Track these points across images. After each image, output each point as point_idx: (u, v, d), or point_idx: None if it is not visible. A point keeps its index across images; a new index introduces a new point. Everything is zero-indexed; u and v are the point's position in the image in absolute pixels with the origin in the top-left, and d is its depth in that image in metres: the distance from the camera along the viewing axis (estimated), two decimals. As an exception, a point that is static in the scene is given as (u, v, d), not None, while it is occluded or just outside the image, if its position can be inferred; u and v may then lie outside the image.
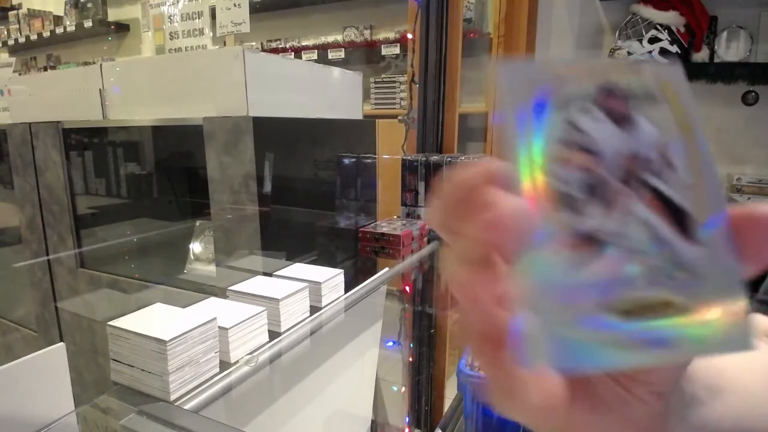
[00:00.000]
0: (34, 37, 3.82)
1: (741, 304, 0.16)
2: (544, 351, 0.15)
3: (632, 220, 0.16)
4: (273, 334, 0.93)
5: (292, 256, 1.30)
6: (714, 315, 0.16)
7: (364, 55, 2.79)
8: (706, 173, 0.17)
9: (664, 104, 0.17)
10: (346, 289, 1.10)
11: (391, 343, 1.53)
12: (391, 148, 1.76)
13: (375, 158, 1.66)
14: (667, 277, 0.16)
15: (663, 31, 1.94)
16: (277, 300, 0.93)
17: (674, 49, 1.94)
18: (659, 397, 0.21)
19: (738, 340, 0.16)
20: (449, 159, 1.58)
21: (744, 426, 0.24)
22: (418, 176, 1.60)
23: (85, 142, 1.83)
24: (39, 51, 4.06)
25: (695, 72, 1.92)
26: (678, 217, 0.16)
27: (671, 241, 0.16)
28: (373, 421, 0.83)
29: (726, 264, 0.16)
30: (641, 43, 1.96)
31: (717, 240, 0.16)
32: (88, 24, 3.53)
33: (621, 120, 0.17)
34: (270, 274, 1.08)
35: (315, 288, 1.02)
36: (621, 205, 0.16)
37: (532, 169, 0.16)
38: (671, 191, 0.16)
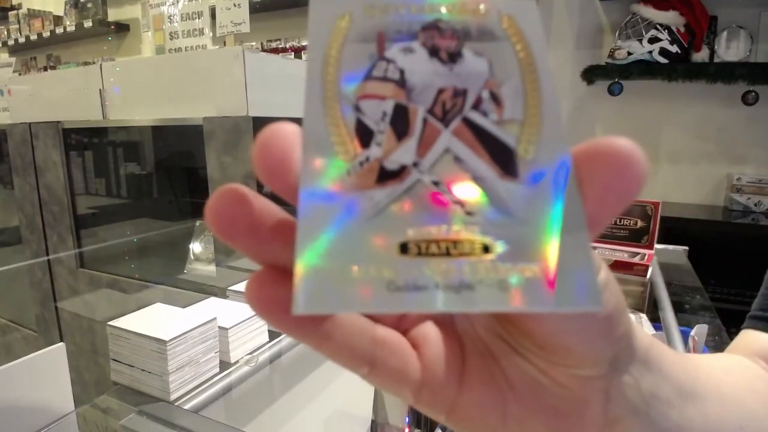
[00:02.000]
0: (34, 37, 3.82)
1: (581, 253, 0.13)
2: (309, 296, 0.13)
3: (442, 154, 0.15)
4: (273, 334, 0.93)
5: (292, 256, 1.30)
6: (536, 263, 0.13)
7: (364, 55, 2.79)
8: (546, 111, 0.15)
9: (504, 41, 0.16)
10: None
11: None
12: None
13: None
14: (478, 216, 0.14)
15: (663, 31, 1.93)
16: (277, 300, 0.93)
17: (674, 49, 1.93)
18: (585, 381, 0.18)
19: (573, 295, 0.13)
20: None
21: None
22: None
23: (85, 142, 1.83)
24: (39, 51, 4.06)
25: (695, 72, 1.92)
26: (500, 152, 0.15)
27: (487, 176, 0.14)
28: (373, 421, 0.82)
29: (560, 205, 0.14)
30: (641, 43, 1.96)
31: (551, 179, 0.14)
32: (88, 24, 3.53)
33: (447, 56, 0.15)
34: (270, 274, 1.08)
35: (315, 288, 1.02)
36: (430, 138, 0.15)
37: (334, 105, 0.15)
38: (491, 126, 0.15)
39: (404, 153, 0.15)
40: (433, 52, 0.16)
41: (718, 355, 0.34)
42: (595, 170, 0.14)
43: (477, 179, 0.14)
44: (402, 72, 0.15)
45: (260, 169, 0.14)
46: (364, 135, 0.15)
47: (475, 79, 0.15)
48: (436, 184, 0.14)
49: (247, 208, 0.14)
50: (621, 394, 0.19)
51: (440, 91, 0.15)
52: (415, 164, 0.14)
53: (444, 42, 0.16)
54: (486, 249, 0.14)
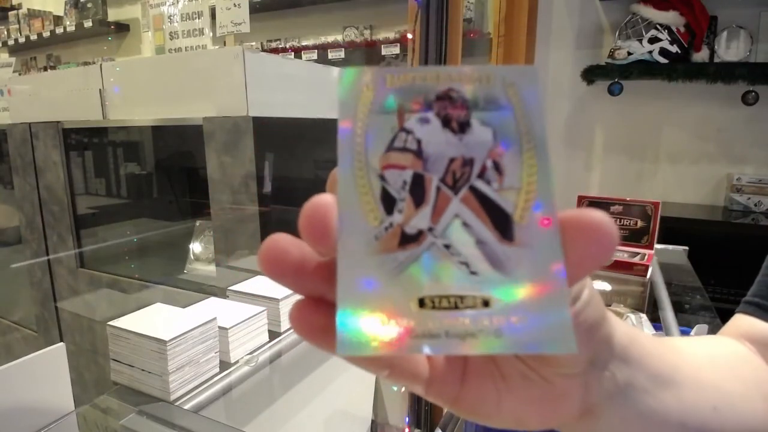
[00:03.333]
0: (34, 37, 3.82)
1: (561, 306, 0.16)
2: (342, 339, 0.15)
3: (452, 219, 0.17)
4: (273, 334, 0.93)
5: (292, 256, 1.30)
6: (526, 314, 0.16)
7: (364, 55, 2.79)
8: (540, 177, 0.17)
9: (507, 110, 0.18)
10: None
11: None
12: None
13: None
14: (480, 275, 0.16)
15: (663, 31, 1.93)
16: (277, 300, 0.93)
17: (674, 49, 1.93)
18: (566, 377, 0.21)
19: (553, 340, 0.16)
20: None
21: (692, 418, 0.26)
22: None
23: (85, 142, 1.83)
24: (39, 51, 4.06)
25: (695, 72, 1.92)
26: (500, 218, 0.17)
27: (488, 240, 0.17)
28: (373, 421, 0.83)
29: (546, 266, 0.16)
30: (641, 43, 1.96)
31: (540, 242, 0.16)
32: (88, 24, 3.53)
33: (457, 126, 0.18)
34: (270, 274, 1.08)
35: (315, 288, 1.02)
36: (442, 205, 0.17)
37: (363, 175, 0.17)
38: (493, 194, 0.17)
39: (421, 219, 0.17)
40: (446, 122, 0.18)
41: (706, 339, 0.38)
42: (577, 238, 0.17)
43: (480, 243, 0.17)
44: (419, 142, 0.18)
45: (306, 235, 0.17)
46: (388, 203, 0.17)
47: (480, 149, 0.18)
48: (447, 247, 0.17)
49: (292, 255, 0.17)
50: (599, 386, 0.22)
51: (451, 161, 0.17)
52: (430, 229, 0.17)
53: (455, 112, 0.18)
54: (486, 303, 0.16)
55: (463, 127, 0.18)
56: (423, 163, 0.17)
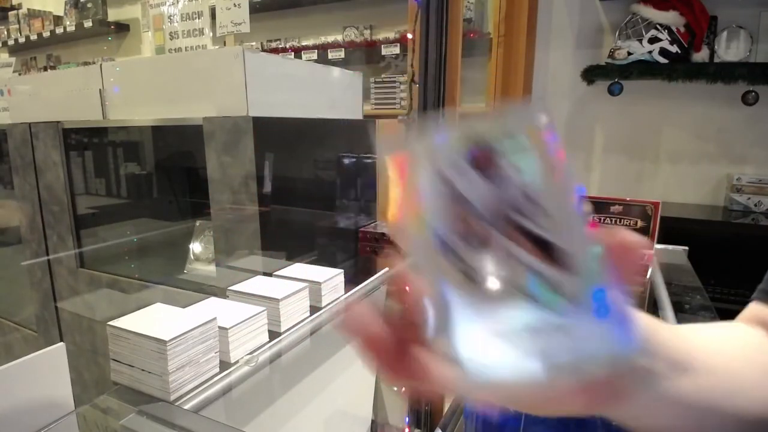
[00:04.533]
0: (34, 37, 3.82)
1: (620, 316, 0.19)
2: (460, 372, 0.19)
3: (507, 258, 0.19)
4: (273, 334, 0.93)
5: (292, 256, 1.30)
6: (589, 328, 0.18)
7: (364, 55, 2.79)
8: (570, 207, 0.19)
9: (531, 151, 0.19)
10: (346, 289, 1.10)
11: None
12: (391, 148, 1.75)
13: (375, 158, 1.66)
14: (545, 302, 0.19)
15: (663, 31, 1.93)
16: (277, 300, 0.93)
17: (674, 49, 1.93)
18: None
19: (620, 348, 0.18)
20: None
21: (708, 402, 0.28)
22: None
23: (85, 142, 1.83)
24: (39, 51, 4.06)
25: (695, 72, 1.92)
26: (547, 249, 0.19)
27: (543, 271, 0.19)
28: (373, 421, 0.83)
29: (599, 287, 0.19)
30: (641, 43, 1.96)
31: (588, 263, 0.19)
32: (88, 24, 3.53)
33: (490, 172, 0.20)
34: (270, 274, 1.08)
35: (315, 288, 1.02)
36: (495, 246, 0.19)
37: (416, 225, 0.20)
38: (537, 228, 0.19)
39: (483, 262, 0.19)
40: (482, 170, 0.20)
41: (722, 325, 0.39)
42: (619, 260, 0.19)
43: (536, 274, 0.19)
44: (461, 192, 0.20)
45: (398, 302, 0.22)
46: (448, 251, 0.19)
47: (515, 188, 0.19)
48: (506, 281, 0.19)
49: (373, 330, 0.22)
50: (629, 373, 0.24)
51: (493, 203, 0.19)
52: (488, 268, 0.19)
53: (486, 160, 0.20)
54: (553, 324, 0.19)
55: (497, 172, 0.20)
56: (468, 210, 0.20)
